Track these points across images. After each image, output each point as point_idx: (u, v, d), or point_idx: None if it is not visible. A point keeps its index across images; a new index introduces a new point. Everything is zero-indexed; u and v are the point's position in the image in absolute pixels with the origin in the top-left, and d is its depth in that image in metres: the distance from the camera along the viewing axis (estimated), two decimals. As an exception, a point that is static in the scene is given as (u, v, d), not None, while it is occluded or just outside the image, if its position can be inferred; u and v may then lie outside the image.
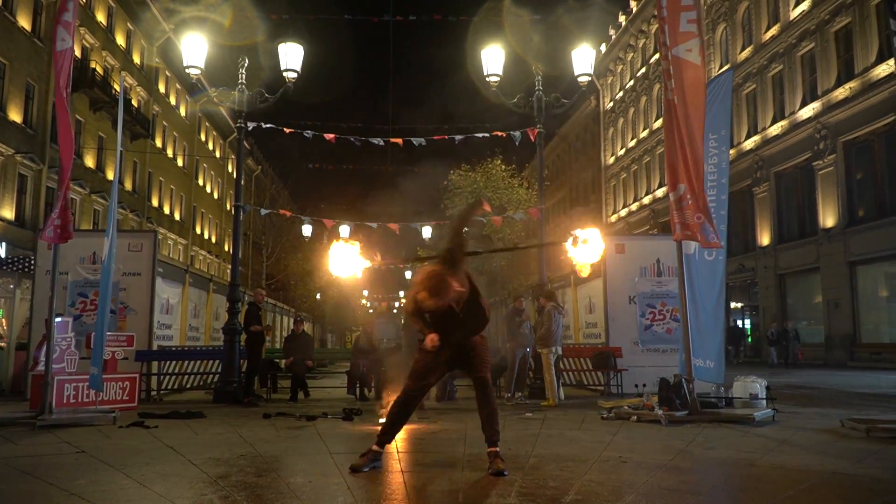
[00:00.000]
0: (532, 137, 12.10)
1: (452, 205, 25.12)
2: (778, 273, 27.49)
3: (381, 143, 12.56)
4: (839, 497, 4.22)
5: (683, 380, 8.02)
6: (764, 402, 8.49)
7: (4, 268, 14.63)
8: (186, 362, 12.76)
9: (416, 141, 12.00)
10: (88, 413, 8.16)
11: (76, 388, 8.85)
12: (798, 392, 12.04)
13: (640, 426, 7.38)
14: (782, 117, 27.31)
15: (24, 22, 25.15)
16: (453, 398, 11.31)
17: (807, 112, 25.61)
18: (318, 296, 42.72)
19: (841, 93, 23.83)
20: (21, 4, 24.93)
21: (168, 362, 12.23)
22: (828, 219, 24.30)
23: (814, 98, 25.40)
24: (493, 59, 11.77)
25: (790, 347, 23.89)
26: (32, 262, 13.09)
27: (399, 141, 12.08)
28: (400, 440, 6.30)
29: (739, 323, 30.63)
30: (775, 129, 27.62)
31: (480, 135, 12.10)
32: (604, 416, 8.17)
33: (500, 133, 12.16)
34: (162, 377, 12.00)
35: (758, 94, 29.08)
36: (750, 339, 29.46)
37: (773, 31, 27.97)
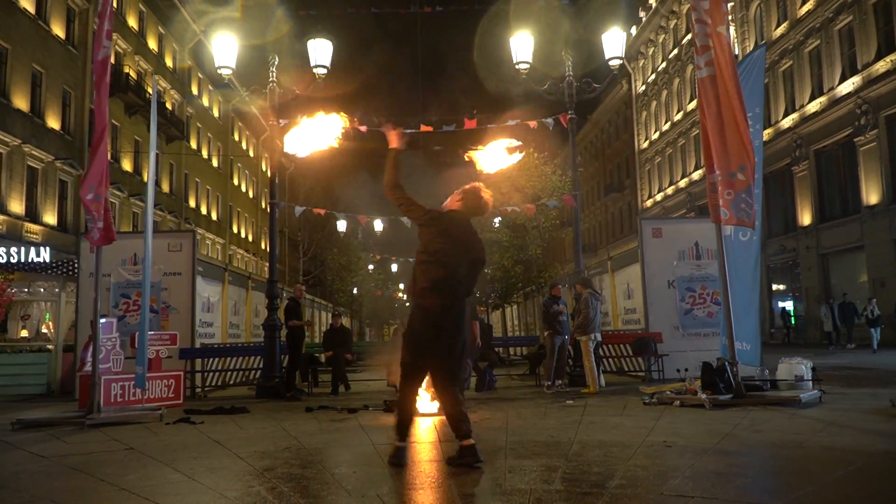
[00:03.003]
0: (564, 123, 12.00)
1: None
2: (820, 253, 26.90)
3: (411, 131, 12.54)
4: (893, 477, 4.12)
5: (727, 363, 7.90)
6: (810, 383, 8.31)
7: (49, 272, 14.99)
8: (229, 359, 12.97)
9: (446, 128, 11.99)
10: (136, 411, 8.33)
11: (123, 387, 9.04)
12: (845, 373, 11.77)
13: (683, 411, 7.29)
14: (821, 94, 26.66)
15: (59, 30, 25.67)
16: (493, 387, 11.31)
17: (846, 87, 24.97)
18: (354, 290, 43.03)
19: (882, 66, 23.18)
20: (55, 12, 25.45)
21: (211, 359, 12.42)
22: (871, 196, 23.69)
23: (853, 73, 24.74)
24: (522, 46, 11.67)
25: None
26: (76, 265, 13.38)
27: (430, 129, 12.07)
28: (440, 430, 6.32)
29: (781, 305, 30.04)
30: (814, 106, 26.99)
31: (511, 122, 12.03)
32: (646, 402, 8.08)
33: (531, 123, 12.05)
34: (205, 374, 12.20)
35: (794, 70, 28.42)
36: (794, 321, 28.85)
37: (809, 5, 27.29)
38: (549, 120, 11.92)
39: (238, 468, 4.82)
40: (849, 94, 24.70)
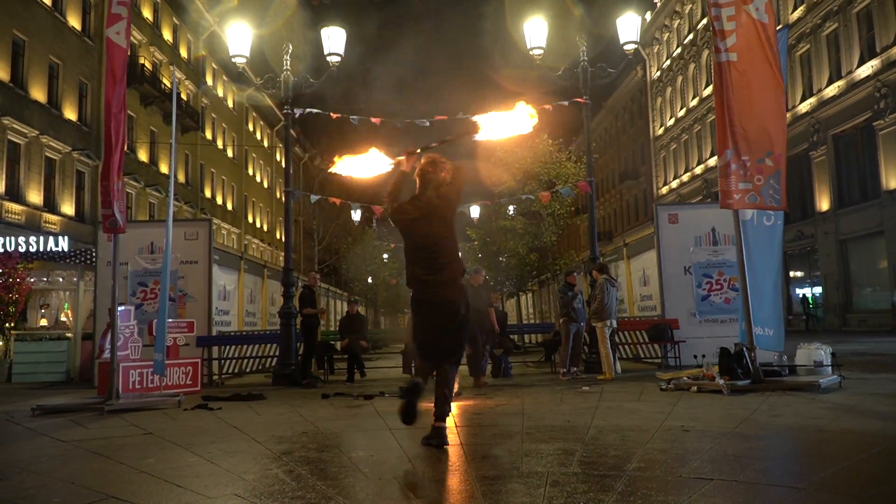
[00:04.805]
0: (581, 102, 11.91)
1: (500, 181, 24.98)
2: (839, 238, 26.62)
3: (427, 123, 12.50)
4: (915, 460, 4.07)
5: (745, 348, 7.84)
6: (829, 369, 8.25)
7: (68, 261, 15.14)
8: (245, 347, 13.06)
9: (460, 116, 11.94)
10: (154, 397, 8.40)
11: (141, 374, 9.12)
12: (864, 359, 11.67)
13: (700, 396, 7.25)
14: (839, 77, 26.32)
15: (74, 21, 25.78)
16: (508, 374, 11.30)
17: (865, 70, 24.62)
18: (369, 279, 43.15)
19: (902, 48, 22.85)
20: (70, 4, 25.55)
21: (228, 347, 12.50)
22: (891, 180, 23.39)
23: (872, 56, 24.39)
24: (535, 31, 11.59)
25: None
26: (94, 254, 13.49)
27: (445, 118, 12.03)
28: (458, 415, 6.33)
29: (800, 292, 29.79)
30: (832, 90, 26.65)
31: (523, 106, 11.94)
32: (662, 388, 8.04)
33: (546, 106, 11.97)
34: (222, 362, 12.28)
35: (812, 54, 28.06)
36: (812, 305, 28.60)
37: (827, -13, 26.92)
38: (564, 103, 11.84)
39: (256, 452, 4.85)
40: (867, 78, 24.36)
